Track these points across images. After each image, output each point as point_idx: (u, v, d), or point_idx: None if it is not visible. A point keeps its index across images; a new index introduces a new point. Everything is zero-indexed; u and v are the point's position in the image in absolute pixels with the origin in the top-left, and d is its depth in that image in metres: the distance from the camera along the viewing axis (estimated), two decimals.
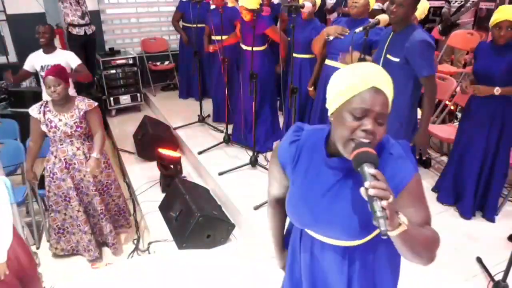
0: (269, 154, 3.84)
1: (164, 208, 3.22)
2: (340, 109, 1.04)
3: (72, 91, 3.45)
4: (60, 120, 2.59)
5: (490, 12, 5.13)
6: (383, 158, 1.07)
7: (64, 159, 2.67)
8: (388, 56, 2.47)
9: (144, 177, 3.79)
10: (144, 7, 5.78)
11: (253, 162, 3.60)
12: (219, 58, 4.02)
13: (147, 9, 5.81)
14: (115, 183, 2.96)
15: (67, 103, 2.60)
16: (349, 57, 2.11)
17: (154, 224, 3.16)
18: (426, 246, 1.04)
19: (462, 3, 5.29)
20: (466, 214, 2.96)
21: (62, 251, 2.92)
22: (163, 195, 3.38)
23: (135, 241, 3.14)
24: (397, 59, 2.43)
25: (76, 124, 2.60)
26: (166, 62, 5.83)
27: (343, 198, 1.12)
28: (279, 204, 1.42)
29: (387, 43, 2.50)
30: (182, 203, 2.98)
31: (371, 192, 0.90)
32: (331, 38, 2.85)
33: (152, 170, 3.79)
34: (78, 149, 2.67)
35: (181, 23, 5.23)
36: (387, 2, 3.84)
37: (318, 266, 1.29)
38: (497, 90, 2.56)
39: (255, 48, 3.43)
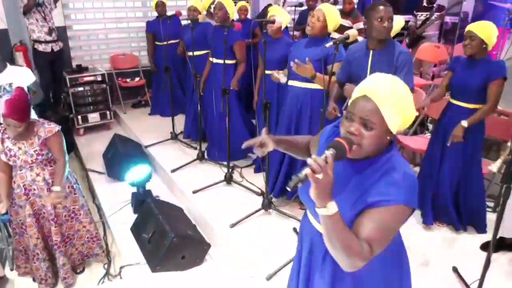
0: (244, 170, 3.79)
1: (136, 229, 3.09)
2: (344, 114, 1.22)
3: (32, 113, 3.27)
4: (19, 148, 2.42)
5: (455, 26, 5.32)
6: (380, 172, 1.18)
7: (23, 185, 2.51)
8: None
9: (114, 198, 3.65)
10: (113, 22, 5.67)
11: (228, 179, 3.53)
12: (191, 74, 3.97)
13: (116, 25, 5.70)
14: (83, 209, 2.78)
15: (26, 130, 2.41)
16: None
17: (126, 247, 3.03)
18: (341, 245, 1.10)
19: (427, 16, 5.48)
20: (428, 222, 3.00)
21: (30, 271, 2.77)
22: (135, 216, 3.26)
23: (106, 266, 2.99)
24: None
25: (36, 152, 2.44)
26: (137, 79, 5.71)
27: (342, 190, 1.21)
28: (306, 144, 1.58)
29: (370, 62, 2.49)
30: (155, 224, 2.87)
31: (308, 160, 1.04)
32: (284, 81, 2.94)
33: (123, 190, 3.65)
34: (37, 175, 2.51)
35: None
36: (359, 23, 3.90)
37: (312, 257, 1.41)
38: (464, 123, 2.65)
39: (227, 62, 3.40)
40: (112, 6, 5.55)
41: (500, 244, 2.72)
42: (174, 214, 3.13)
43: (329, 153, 1.07)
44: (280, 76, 2.98)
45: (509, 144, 2.22)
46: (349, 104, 1.21)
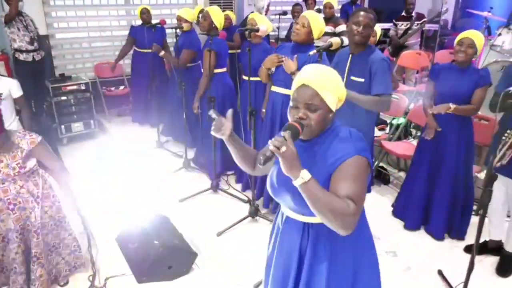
0: (230, 178, 3.78)
1: (122, 239, 3.04)
2: (289, 105, 1.37)
3: (14, 124, 3.22)
4: (1, 161, 2.37)
5: (435, 33, 5.45)
6: (330, 138, 1.36)
7: (7, 199, 2.45)
8: (352, 78, 2.53)
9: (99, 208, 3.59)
10: (96, 31, 5.63)
11: (215, 187, 3.52)
12: (176, 82, 3.97)
13: (100, 33, 5.67)
14: (68, 217, 2.76)
15: (7, 142, 2.34)
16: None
17: (111, 258, 2.97)
18: (328, 208, 1.20)
19: (408, 26, 5.60)
20: (438, 235, 3.00)
21: (6, 282, 2.67)
22: (121, 226, 3.20)
23: (91, 278, 2.93)
24: (362, 80, 2.50)
25: (19, 165, 2.38)
26: (121, 87, 5.67)
27: (306, 167, 1.27)
28: (255, 154, 1.65)
29: (348, 65, 2.54)
30: (141, 234, 2.83)
31: (269, 141, 1.19)
32: (273, 69, 2.88)
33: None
34: (21, 187, 2.45)
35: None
36: (339, 26, 3.95)
37: (281, 240, 1.54)
38: (452, 105, 2.68)
39: (214, 71, 3.41)
40: (95, 15, 5.52)
41: (484, 247, 2.76)
42: (160, 223, 3.08)
43: (285, 133, 1.22)
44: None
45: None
46: (291, 96, 1.37)
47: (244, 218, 3.10)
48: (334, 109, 1.36)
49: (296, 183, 1.20)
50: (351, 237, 1.30)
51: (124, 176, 3.49)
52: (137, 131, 5.17)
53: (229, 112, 1.53)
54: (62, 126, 4.85)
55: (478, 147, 3.55)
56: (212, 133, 1.51)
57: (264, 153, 1.20)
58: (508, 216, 2.80)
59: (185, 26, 3.97)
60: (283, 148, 1.16)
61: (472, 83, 2.67)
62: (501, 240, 2.77)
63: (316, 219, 1.38)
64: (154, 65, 4.47)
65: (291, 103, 1.36)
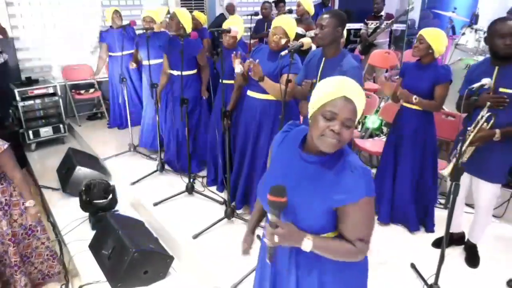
0: (205, 179, 3.76)
1: (95, 246, 2.98)
2: (316, 112, 1.26)
3: None
4: None
5: (403, 33, 5.60)
6: (340, 163, 1.28)
7: None
8: None
9: (71, 214, 3.49)
10: (64, 33, 5.47)
11: (190, 189, 3.50)
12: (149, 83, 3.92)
13: (68, 35, 5.51)
14: (41, 224, 2.66)
15: None
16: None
17: (85, 265, 2.90)
18: (341, 255, 1.31)
19: (378, 25, 5.73)
20: (384, 220, 3.13)
21: None
22: (94, 232, 3.14)
23: (64, 287, 2.86)
24: None
25: None
26: (91, 90, 5.54)
27: (303, 188, 1.30)
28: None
29: (320, 69, 2.56)
30: (115, 239, 2.78)
31: (265, 239, 1.26)
32: (239, 71, 2.88)
33: (79, 206, 3.51)
34: None
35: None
36: (312, 30, 3.98)
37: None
38: (415, 99, 2.76)
39: (184, 73, 3.38)
40: (63, 16, 5.37)
41: (450, 240, 2.86)
42: (134, 228, 3.04)
43: (271, 217, 1.23)
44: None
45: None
46: (322, 103, 1.24)
47: (220, 220, 3.09)
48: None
49: (304, 250, 1.27)
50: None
51: (97, 180, 3.41)
52: (109, 134, 5.07)
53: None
54: (30, 131, 4.71)
55: (446, 143, 3.67)
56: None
57: (270, 251, 1.27)
58: (469, 207, 2.92)
59: (156, 27, 3.92)
60: (276, 239, 1.22)
61: (431, 80, 2.76)
62: (463, 232, 2.88)
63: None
64: (127, 67, 4.39)
65: (322, 113, 1.23)
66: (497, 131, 2.32)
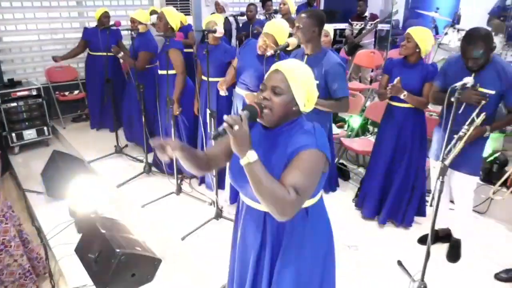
0: (194, 180, 3.75)
1: (81, 250, 2.93)
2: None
3: None
4: None
5: (388, 33, 5.66)
6: (294, 130, 1.39)
7: None
8: None
9: (56, 218, 3.44)
10: (47, 33, 5.40)
11: (178, 190, 3.48)
12: (134, 84, 3.89)
13: (51, 36, 5.43)
14: (15, 240, 2.50)
15: None
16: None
17: (71, 270, 2.86)
18: (268, 192, 1.23)
19: (363, 26, 5.79)
20: (369, 215, 3.17)
21: None
22: (80, 235, 3.09)
23: None
24: (316, 81, 2.52)
25: None
26: (76, 92, 5.46)
27: (265, 157, 1.34)
28: (204, 156, 1.57)
29: None
30: (102, 243, 2.74)
31: (224, 117, 1.22)
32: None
33: (65, 209, 3.46)
34: None
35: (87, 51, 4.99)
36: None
37: (244, 230, 1.56)
38: (404, 95, 2.78)
39: (170, 72, 3.36)
40: (46, 17, 5.29)
41: (436, 236, 2.90)
42: (121, 230, 3.00)
43: (242, 113, 1.26)
44: (223, 89, 3.00)
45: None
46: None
47: (208, 221, 3.08)
48: (300, 104, 1.38)
49: (242, 161, 1.24)
50: (311, 228, 1.44)
51: (83, 184, 3.37)
52: (94, 136, 5.01)
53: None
54: (13, 134, 4.63)
55: (430, 141, 3.72)
56: (160, 157, 1.43)
57: (217, 129, 1.23)
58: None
59: (141, 27, 3.90)
60: (236, 127, 1.20)
61: (421, 78, 2.80)
62: (448, 228, 2.93)
63: None
64: (109, 68, 4.35)
65: (260, 86, 1.40)
66: (487, 127, 2.38)
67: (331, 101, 2.62)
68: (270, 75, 1.38)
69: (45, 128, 4.84)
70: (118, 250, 2.57)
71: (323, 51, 2.61)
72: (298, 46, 2.67)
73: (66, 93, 5.41)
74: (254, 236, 1.52)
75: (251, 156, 1.23)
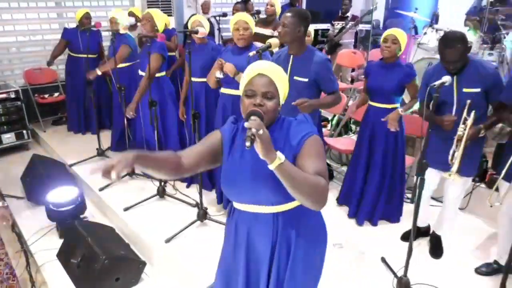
0: (177, 182, 3.72)
1: (64, 255, 2.88)
2: (242, 95, 1.40)
3: None
4: None
5: (368, 33, 5.74)
6: (285, 125, 1.43)
7: None
8: (296, 77, 2.61)
9: (36, 223, 3.37)
10: (26, 35, 5.28)
11: (161, 193, 3.45)
12: (115, 86, 3.84)
13: (29, 37, 5.32)
14: None
15: None
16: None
17: (53, 276, 2.81)
18: (305, 184, 1.24)
19: (343, 25, 5.86)
20: (360, 221, 3.18)
21: None
22: (61, 241, 3.04)
23: None
24: (305, 79, 2.60)
25: None
26: (56, 94, 5.36)
27: (262, 164, 1.27)
28: (176, 157, 1.44)
29: (290, 66, 2.63)
30: (84, 247, 2.70)
31: (246, 124, 1.17)
32: (220, 75, 2.89)
33: (45, 214, 3.39)
34: None
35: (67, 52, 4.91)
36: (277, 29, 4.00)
37: (251, 239, 1.54)
38: (401, 111, 2.84)
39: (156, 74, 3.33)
40: (23, 18, 5.18)
41: (417, 232, 2.95)
42: (104, 234, 2.97)
43: (254, 117, 1.24)
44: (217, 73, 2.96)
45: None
46: (244, 86, 1.40)
47: (193, 223, 3.07)
48: (281, 103, 1.43)
49: (273, 165, 1.20)
50: (316, 221, 1.53)
51: (64, 188, 3.31)
52: (75, 139, 4.92)
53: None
54: None
55: (412, 139, 3.78)
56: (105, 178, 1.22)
57: (248, 135, 1.15)
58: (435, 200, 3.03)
59: (122, 28, 3.85)
60: (261, 131, 1.16)
61: (397, 79, 2.86)
62: (429, 225, 2.99)
63: (284, 207, 1.46)
64: (90, 70, 4.28)
65: (244, 93, 1.39)
66: (482, 126, 2.41)
67: (329, 96, 2.68)
68: (255, 80, 1.38)
69: (24, 131, 4.75)
70: (101, 254, 2.54)
71: (309, 50, 2.62)
72: (281, 45, 2.69)
73: (46, 95, 5.30)
74: (263, 242, 1.51)
75: (281, 156, 1.21)
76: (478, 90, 2.41)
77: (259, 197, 1.45)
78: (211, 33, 5.21)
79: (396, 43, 2.82)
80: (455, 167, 2.33)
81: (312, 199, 1.26)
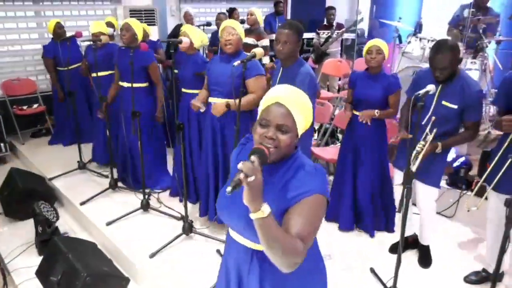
0: (162, 195, 3.64)
1: (43, 273, 2.77)
2: (256, 122, 1.29)
3: None
4: None
5: (353, 42, 5.78)
6: (294, 167, 1.30)
7: None
8: None
9: (15, 240, 3.25)
10: (4, 45, 5.15)
11: (145, 206, 3.36)
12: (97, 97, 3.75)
13: (7, 47, 5.19)
14: None
15: None
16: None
17: None
18: (279, 247, 1.13)
19: (329, 34, 5.89)
20: (345, 226, 3.16)
21: None
22: (41, 258, 2.92)
23: None
24: None
25: None
26: (35, 105, 5.22)
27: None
28: None
29: (278, 77, 2.63)
30: (65, 264, 2.60)
31: (239, 166, 1.07)
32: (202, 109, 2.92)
33: (24, 230, 3.28)
34: None
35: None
36: (263, 40, 4.06)
37: (228, 263, 1.49)
38: (377, 112, 2.85)
39: (135, 85, 3.26)
40: (1, 28, 5.05)
41: (405, 244, 2.93)
42: (86, 250, 2.86)
43: (254, 157, 1.13)
44: (200, 105, 2.93)
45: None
46: (260, 111, 1.29)
47: (178, 236, 2.99)
48: (300, 134, 1.30)
49: (254, 215, 1.10)
50: (307, 265, 1.27)
51: (44, 202, 3.19)
52: (55, 152, 4.79)
53: None
54: None
55: (394, 147, 3.79)
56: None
57: (234, 180, 1.06)
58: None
59: (104, 38, 3.77)
60: (252, 178, 1.06)
61: (382, 89, 2.88)
62: (415, 234, 2.96)
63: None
64: (72, 80, 4.18)
65: (259, 121, 1.27)
66: (439, 144, 2.43)
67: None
68: (270, 109, 1.25)
69: (1, 144, 4.63)
70: (82, 271, 2.45)
71: (299, 62, 2.60)
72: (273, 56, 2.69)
73: (25, 107, 5.16)
74: (236, 270, 1.44)
75: (265, 209, 1.10)
76: (455, 106, 2.43)
77: (238, 229, 1.38)
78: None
79: (380, 53, 2.84)
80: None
81: (279, 261, 1.16)
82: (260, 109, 1.30)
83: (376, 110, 2.87)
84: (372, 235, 3.11)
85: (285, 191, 1.27)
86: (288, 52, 2.51)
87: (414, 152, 2.35)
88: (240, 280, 1.44)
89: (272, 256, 1.16)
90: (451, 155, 3.38)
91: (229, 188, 1.05)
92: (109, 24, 4.60)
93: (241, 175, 1.05)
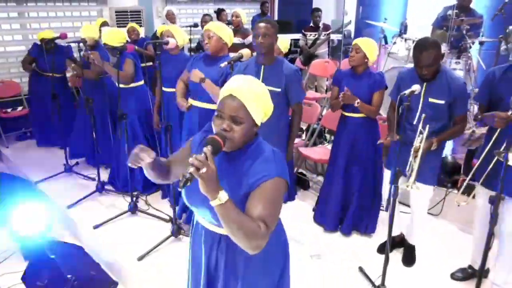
0: (150, 197, 3.62)
1: (29, 278, 2.73)
2: (215, 113, 1.33)
3: None
4: None
5: (340, 43, 5.82)
6: (254, 154, 1.34)
7: None
8: (268, 88, 2.55)
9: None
10: None
11: (133, 209, 3.33)
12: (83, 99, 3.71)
13: None
14: None
15: None
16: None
17: None
18: (241, 230, 1.20)
19: (316, 36, 5.93)
20: (331, 226, 3.16)
21: None
22: (26, 263, 2.88)
23: None
24: (278, 89, 2.62)
25: None
26: (19, 108, 5.15)
27: (223, 180, 1.27)
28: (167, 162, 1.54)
29: (261, 76, 2.63)
30: (51, 269, 2.58)
31: (190, 160, 1.13)
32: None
33: (9, 235, 3.21)
34: None
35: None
36: (249, 37, 4.08)
37: (197, 250, 1.55)
38: (357, 102, 2.84)
39: (122, 86, 3.24)
40: None
41: (392, 243, 2.94)
42: (72, 254, 2.85)
43: (206, 149, 1.18)
44: (186, 104, 2.92)
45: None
46: (218, 103, 1.35)
47: (167, 238, 2.97)
48: (259, 123, 1.35)
49: (213, 203, 1.18)
50: (269, 248, 1.32)
51: (29, 206, 3.14)
52: (41, 155, 4.72)
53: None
54: None
55: (384, 148, 3.82)
56: (130, 164, 1.41)
57: (184, 175, 1.13)
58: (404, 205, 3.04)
59: (89, 40, 3.73)
60: (203, 170, 1.12)
61: (368, 87, 2.90)
62: (402, 233, 2.98)
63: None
64: (56, 87, 4.08)
65: (216, 112, 1.33)
66: (434, 140, 2.44)
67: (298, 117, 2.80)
68: (225, 102, 1.31)
69: None
70: (69, 275, 2.42)
71: (279, 60, 2.65)
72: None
73: (9, 109, 5.09)
74: (207, 256, 1.50)
75: (223, 197, 1.17)
76: (442, 102, 2.46)
77: (204, 216, 1.43)
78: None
79: (359, 52, 2.84)
80: (412, 179, 2.33)
81: (242, 244, 1.23)
82: (218, 100, 1.35)
83: (358, 100, 2.83)
84: (349, 234, 3.11)
85: (245, 176, 1.32)
86: (268, 44, 2.56)
87: (412, 149, 2.36)
88: (209, 262, 1.51)
89: (236, 239, 1.23)
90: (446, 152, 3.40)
91: (181, 184, 1.12)
92: (104, 25, 4.61)
93: (191, 169, 1.11)
